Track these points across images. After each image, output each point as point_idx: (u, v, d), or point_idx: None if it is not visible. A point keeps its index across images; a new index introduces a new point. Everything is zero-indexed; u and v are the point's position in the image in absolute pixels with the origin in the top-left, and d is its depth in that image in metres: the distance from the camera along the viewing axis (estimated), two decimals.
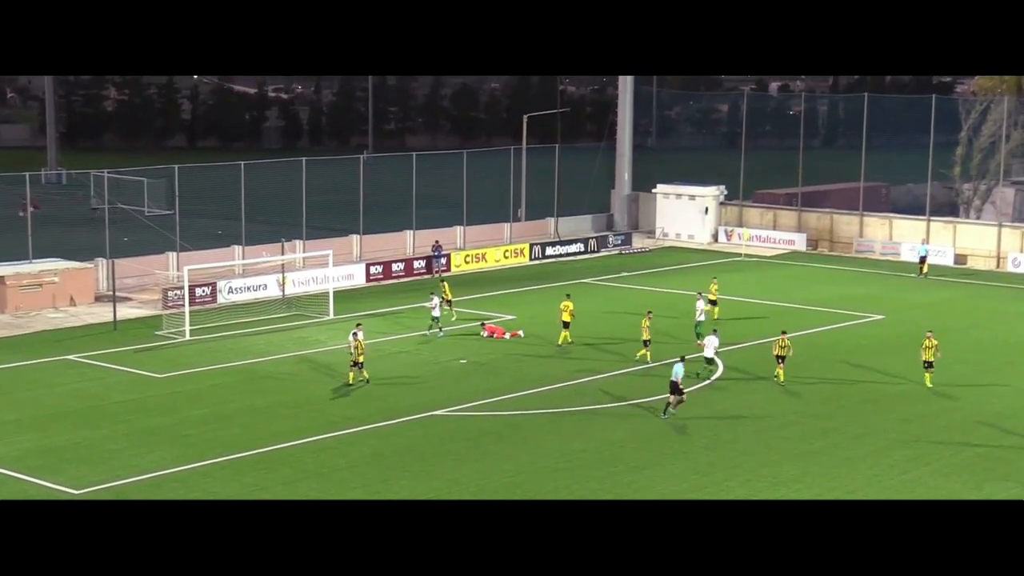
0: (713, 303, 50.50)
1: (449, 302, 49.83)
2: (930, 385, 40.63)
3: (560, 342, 46.30)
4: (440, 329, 47.69)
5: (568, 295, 48.42)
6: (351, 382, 40.03)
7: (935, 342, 40.95)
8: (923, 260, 63.27)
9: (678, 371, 37.53)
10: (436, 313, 47.44)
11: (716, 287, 52.16)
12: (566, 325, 46.61)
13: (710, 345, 42.77)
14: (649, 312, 45.06)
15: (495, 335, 47.83)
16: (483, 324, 48.85)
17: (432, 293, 48.78)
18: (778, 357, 41.29)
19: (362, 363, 39.98)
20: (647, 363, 43.37)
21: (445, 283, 51.68)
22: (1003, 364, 44.68)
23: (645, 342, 43.75)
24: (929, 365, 40.91)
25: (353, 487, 31.20)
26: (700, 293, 47.80)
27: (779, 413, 38.05)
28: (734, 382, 41.64)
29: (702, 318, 46.42)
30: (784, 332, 42.16)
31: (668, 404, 37.49)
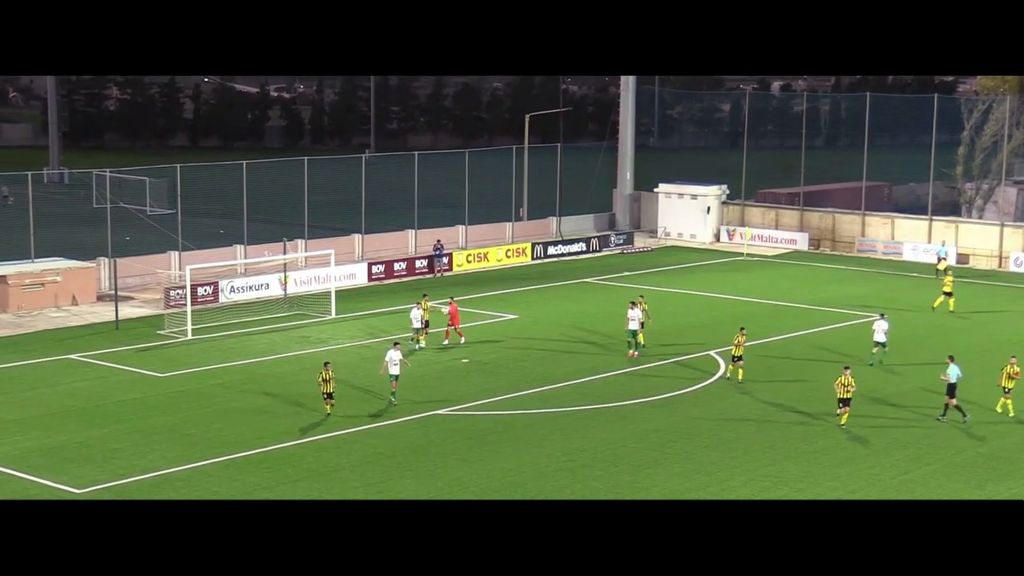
0: (948, 295, 53.15)
1: (426, 324, 45.87)
2: (1012, 413, 37.77)
3: (642, 341, 45.01)
4: (416, 342, 45.13)
5: (641, 296, 47.26)
6: (330, 412, 36.81)
7: (1018, 369, 37.96)
8: (942, 261, 62.79)
9: (954, 372, 37.06)
10: (417, 324, 45.22)
11: (951, 279, 54.42)
12: (640, 325, 45.03)
13: (880, 329, 43.66)
14: (743, 328, 42.32)
15: (453, 319, 45.73)
16: (452, 300, 47.16)
17: (418, 302, 46.29)
18: (841, 400, 36.73)
19: (332, 394, 36.81)
20: (739, 381, 41.04)
21: (427, 298, 47.50)
22: (1005, 364, 44.59)
23: (735, 358, 41.25)
24: (1008, 391, 37.98)
25: (355, 487, 31.22)
26: (632, 303, 45.05)
27: (781, 413, 38.05)
28: (735, 382, 41.58)
29: (634, 326, 44.08)
30: (847, 368, 37.47)
31: (947, 407, 37.05)
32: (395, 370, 38.24)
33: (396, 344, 39.42)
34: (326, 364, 37.14)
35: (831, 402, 39.21)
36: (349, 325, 49.68)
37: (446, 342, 45.72)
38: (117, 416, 37.11)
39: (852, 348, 46.71)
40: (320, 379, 36.88)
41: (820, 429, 36.52)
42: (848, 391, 36.49)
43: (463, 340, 45.88)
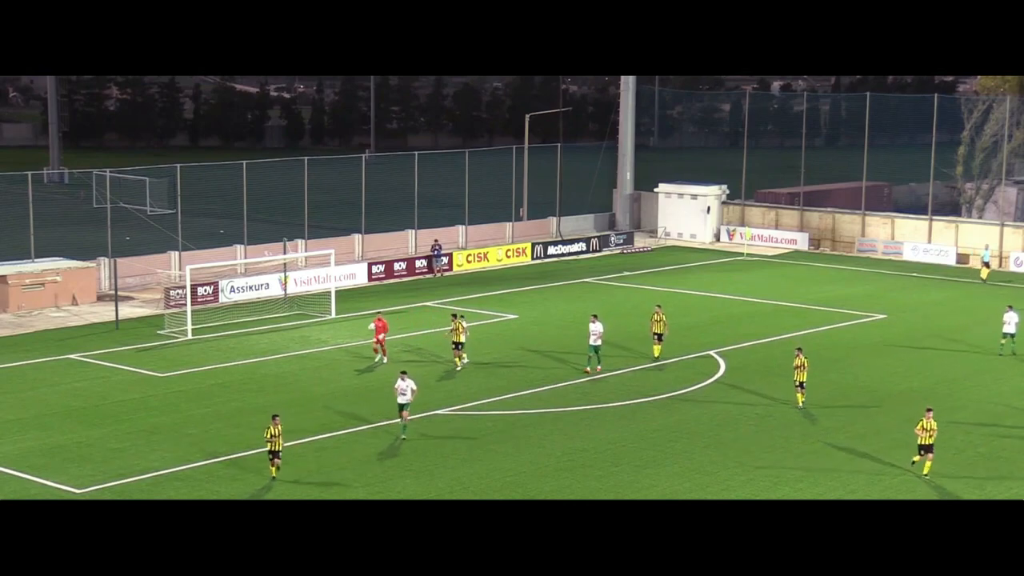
0: None
1: (458, 345, 42.75)
2: None
3: (657, 355, 43.82)
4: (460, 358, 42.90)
5: (659, 305, 45.41)
6: (275, 475, 31.45)
7: None
8: (987, 265, 62.26)
9: None
10: (462, 338, 42.73)
11: None
12: (658, 337, 43.82)
13: (1011, 321, 44.67)
14: (800, 349, 39.02)
15: (379, 336, 43.12)
16: (380, 314, 44.63)
17: (460, 316, 44.15)
18: (923, 447, 32.29)
19: (279, 452, 31.50)
20: (799, 406, 38.23)
21: (461, 320, 43.61)
22: (1005, 364, 44.67)
23: (800, 385, 38.32)
24: None
25: (355, 487, 31.21)
26: (594, 316, 42.73)
27: (781, 413, 38.03)
28: (736, 382, 41.60)
29: (595, 341, 41.79)
30: (930, 410, 32.70)
31: None
32: (405, 400, 34.92)
33: (403, 373, 35.65)
34: (274, 417, 31.64)
35: (830, 402, 39.24)
36: (349, 325, 49.66)
37: (377, 359, 43.13)
38: (117, 416, 37.11)
39: (851, 347, 46.74)
40: (267, 435, 31.40)
41: (820, 429, 36.52)
42: (931, 436, 32.08)
43: (385, 359, 42.89)
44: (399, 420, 35.04)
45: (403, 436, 34.82)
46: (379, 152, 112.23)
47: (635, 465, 33.01)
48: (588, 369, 42.11)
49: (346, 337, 47.52)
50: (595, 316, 42.74)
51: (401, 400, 34.88)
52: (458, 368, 42.45)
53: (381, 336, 43.34)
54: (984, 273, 61.57)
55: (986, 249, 63.22)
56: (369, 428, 36.14)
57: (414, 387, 35.10)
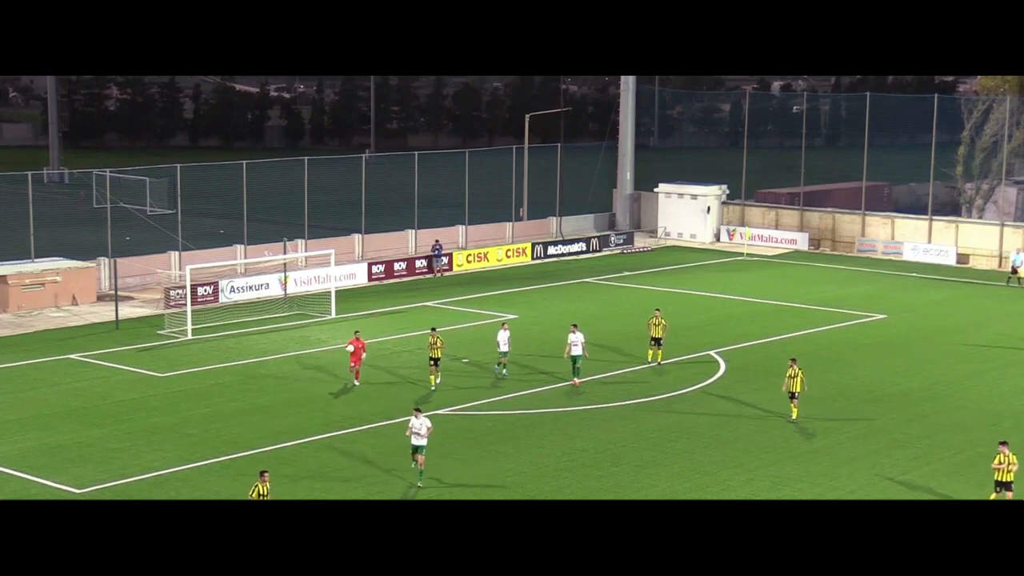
0: None
1: (434, 361, 40.37)
2: None
3: (655, 360, 43.07)
4: (503, 367, 41.72)
5: (658, 309, 44.31)
6: None
7: None
8: (1015, 270, 61.53)
9: None
10: (505, 348, 41.35)
11: None
12: (657, 342, 43.03)
13: None
14: (794, 359, 37.73)
15: (354, 356, 40.32)
16: (357, 334, 41.40)
17: (504, 324, 43.20)
18: (1000, 483, 29.45)
19: None
20: (792, 419, 36.87)
21: (436, 333, 41.04)
22: (1005, 364, 44.68)
23: (792, 395, 36.97)
24: None
25: (354, 487, 31.21)
26: (574, 325, 41.38)
27: (780, 413, 38.00)
28: (735, 382, 41.61)
29: (578, 351, 40.43)
30: (1004, 443, 29.68)
31: None
32: (420, 441, 31.40)
33: (418, 410, 32.52)
34: (263, 474, 27.99)
35: (830, 402, 39.22)
36: (349, 325, 49.63)
37: (356, 383, 40.53)
38: (117, 416, 37.11)
39: (851, 347, 46.72)
40: (255, 493, 27.52)
41: (820, 429, 36.50)
42: (1010, 471, 29.25)
43: (356, 383, 40.41)
44: (413, 465, 31.53)
45: (419, 484, 31.23)
46: (379, 152, 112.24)
47: (635, 465, 33.02)
48: (576, 381, 40.68)
49: (346, 337, 47.46)
50: (575, 326, 41.31)
51: (416, 442, 31.33)
52: (432, 388, 40.01)
53: (360, 356, 40.46)
54: (1022, 273, 61.02)
55: (1018, 253, 62.30)
56: (369, 428, 36.15)
57: (429, 425, 31.53)
